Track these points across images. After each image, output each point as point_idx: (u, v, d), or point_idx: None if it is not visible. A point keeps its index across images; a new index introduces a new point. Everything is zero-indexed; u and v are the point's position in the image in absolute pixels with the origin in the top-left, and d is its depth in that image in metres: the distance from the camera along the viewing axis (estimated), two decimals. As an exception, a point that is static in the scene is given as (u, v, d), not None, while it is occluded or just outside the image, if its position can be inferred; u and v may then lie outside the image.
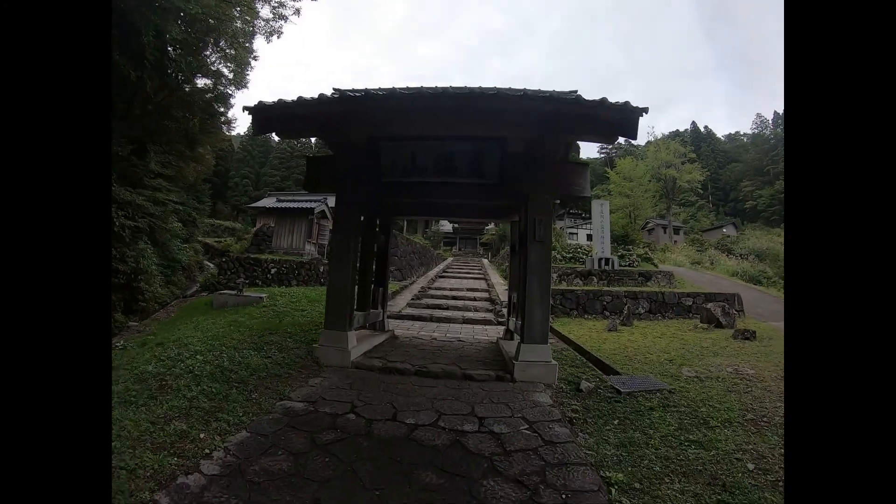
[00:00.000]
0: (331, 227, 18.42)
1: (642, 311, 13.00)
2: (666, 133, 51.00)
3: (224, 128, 30.78)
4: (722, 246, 34.64)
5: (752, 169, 56.19)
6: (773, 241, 33.06)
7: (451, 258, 35.74)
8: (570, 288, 12.65)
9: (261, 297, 11.02)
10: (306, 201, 18.69)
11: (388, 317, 9.82)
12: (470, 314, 10.52)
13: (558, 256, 21.96)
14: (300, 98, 4.85)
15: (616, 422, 4.17)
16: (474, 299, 12.88)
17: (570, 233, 40.00)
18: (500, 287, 15.69)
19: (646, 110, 4.65)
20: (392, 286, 13.86)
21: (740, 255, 29.38)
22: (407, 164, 5.34)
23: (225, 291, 11.83)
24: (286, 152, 69.51)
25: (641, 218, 37.36)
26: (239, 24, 17.85)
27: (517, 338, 7.22)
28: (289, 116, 5.13)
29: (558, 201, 7.39)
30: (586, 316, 12.29)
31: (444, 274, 20.88)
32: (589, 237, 36.52)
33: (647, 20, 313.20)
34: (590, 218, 41.78)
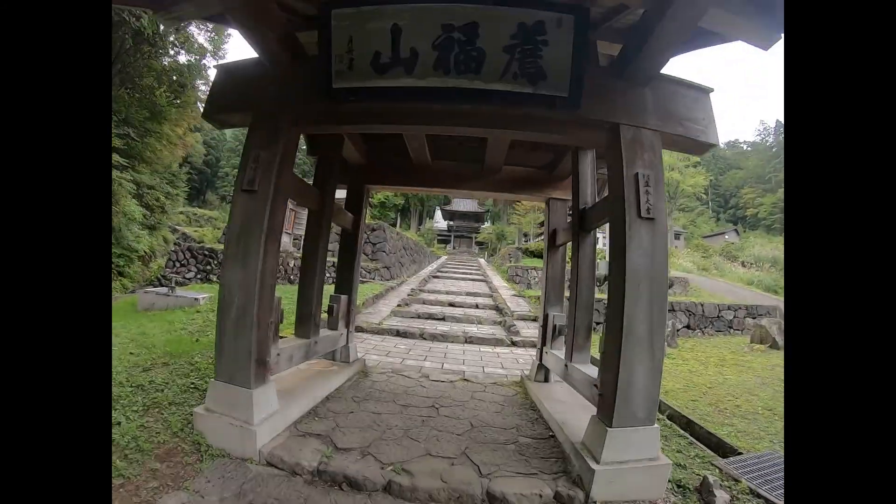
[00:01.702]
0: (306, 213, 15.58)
1: (680, 327, 10.38)
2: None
3: (201, 107, 27.67)
4: (727, 253, 32.85)
5: (754, 176, 53.64)
6: (778, 248, 31.24)
7: (446, 257, 32.98)
8: (598, 297, 9.83)
9: (197, 299, 8.09)
10: (280, 184, 15.64)
11: (366, 330, 6.95)
12: (473, 329, 7.67)
13: (565, 257, 19.23)
14: None
15: None
16: (476, 306, 10.02)
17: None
18: (505, 292, 12.87)
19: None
20: (375, 287, 10.98)
21: (750, 263, 27.51)
22: (382, 49, 2.47)
23: (152, 289, 8.86)
24: None
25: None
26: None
27: (555, 378, 4.42)
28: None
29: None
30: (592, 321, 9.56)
31: (438, 274, 18.02)
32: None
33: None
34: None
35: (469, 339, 6.80)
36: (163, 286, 9.45)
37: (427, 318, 8.30)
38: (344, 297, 4.48)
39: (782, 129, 53.37)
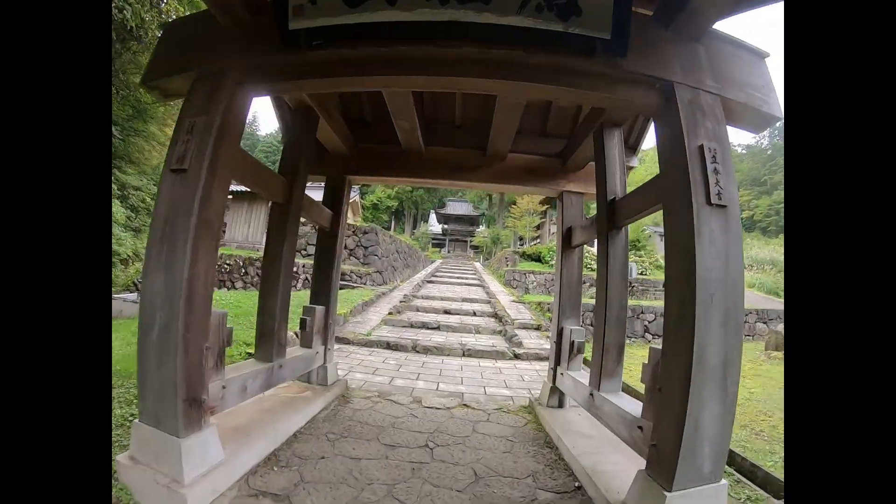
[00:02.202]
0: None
1: (689, 334, 9.76)
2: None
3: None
4: (724, 255, 32.38)
5: (749, 179, 53.54)
6: (775, 250, 30.95)
7: (441, 260, 32.33)
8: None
9: (168, 307, 7.32)
10: (266, 184, 14.87)
11: (352, 342, 6.22)
12: (470, 340, 6.96)
13: (564, 261, 18.57)
14: None
15: None
16: (473, 314, 9.30)
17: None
18: (504, 297, 12.18)
19: None
20: (365, 293, 10.23)
21: (749, 265, 27.18)
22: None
23: (120, 296, 8.06)
24: (272, 146, 67.05)
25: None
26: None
27: (571, 403, 3.73)
28: None
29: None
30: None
31: (432, 279, 17.31)
32: (584, 242, 33.30)
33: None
34: (585, 222, 38.64)
35: (467, 352, 6.08)
36: (136, 291, 8.66)
37: (420, 328, 7.57)
38: (320, 309, 3.74)
39: (776, 132, 53.32)
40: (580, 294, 3.86)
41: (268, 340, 3.02)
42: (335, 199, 4.02)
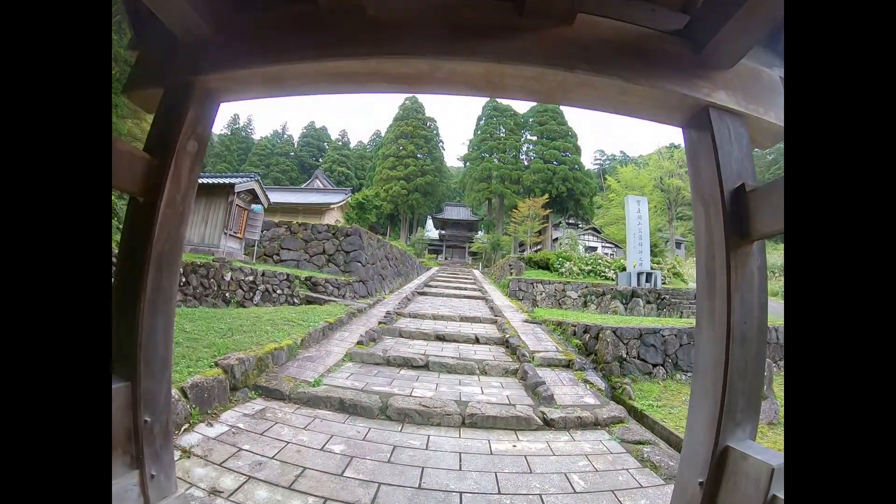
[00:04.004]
0: (264, 218, 12.35)
1: (753, 365, 7.39)
2: (666, 145, 45.48)
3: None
4: (735, 262, 30.30)
5: (755, 183, 51.54)
6: (783, 257, 28.96)
7: (437, 268, 30.02)
8: (653, 326, 6.78)
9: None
10: (227, 176, 12.52)
11: (288, 398, 3.80)
12: (474, 389, 4.60)
13: (575, 269, 16.31)
14: None
15: None
16: (475, 340, 6.93)
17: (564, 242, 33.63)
18: (512, 314, 9.83)
19: None
20: (335, 310, 7.84)
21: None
22: None
23: None
24: (266, 149, 65.23)
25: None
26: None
27: None
28: None
29: None
30: (679, 376, 6.53)
31: (425, 289, 14.94)
32: (587, 249, 31.22)
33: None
34: (590, 228, 36.44)
35: (469, 420, 3.72)
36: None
37: (400, 367, 5.19)
38: (114, 390, 1.40)
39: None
40: (764, 359, 1.52)
41: None
42: (168, 130, 1.68)
